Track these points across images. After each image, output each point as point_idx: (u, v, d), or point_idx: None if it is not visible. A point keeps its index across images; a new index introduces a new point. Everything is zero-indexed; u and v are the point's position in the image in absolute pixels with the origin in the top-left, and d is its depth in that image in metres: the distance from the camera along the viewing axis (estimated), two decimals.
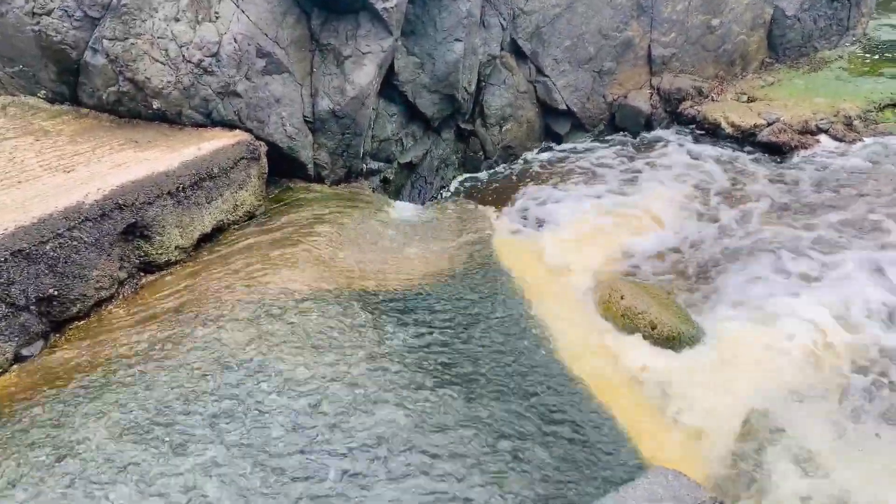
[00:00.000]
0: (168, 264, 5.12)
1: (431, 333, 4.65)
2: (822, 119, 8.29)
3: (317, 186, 6.44)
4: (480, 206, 7.12)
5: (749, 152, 7.94)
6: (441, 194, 7.57)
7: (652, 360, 4.91)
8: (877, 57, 10.09)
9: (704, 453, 4.01)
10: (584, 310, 5.60)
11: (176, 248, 5.13)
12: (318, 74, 6.38)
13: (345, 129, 6.44)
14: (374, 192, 6.80)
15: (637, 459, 3.75)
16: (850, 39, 10.57)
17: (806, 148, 7.95)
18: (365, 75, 6.36)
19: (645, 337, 5.20)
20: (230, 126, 5.91)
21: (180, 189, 5.09)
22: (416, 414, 3.75)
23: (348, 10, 6.33)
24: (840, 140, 8.05)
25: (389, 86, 6.93)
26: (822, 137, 8.14)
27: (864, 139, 8.10)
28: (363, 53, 6.38)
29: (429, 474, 3.37)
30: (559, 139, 8.54)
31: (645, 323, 5.29)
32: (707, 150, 7.99)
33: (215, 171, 5.40)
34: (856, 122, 8.35)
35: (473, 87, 7.59)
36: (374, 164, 6.98)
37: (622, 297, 5.52)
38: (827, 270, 5.82)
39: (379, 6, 6.25)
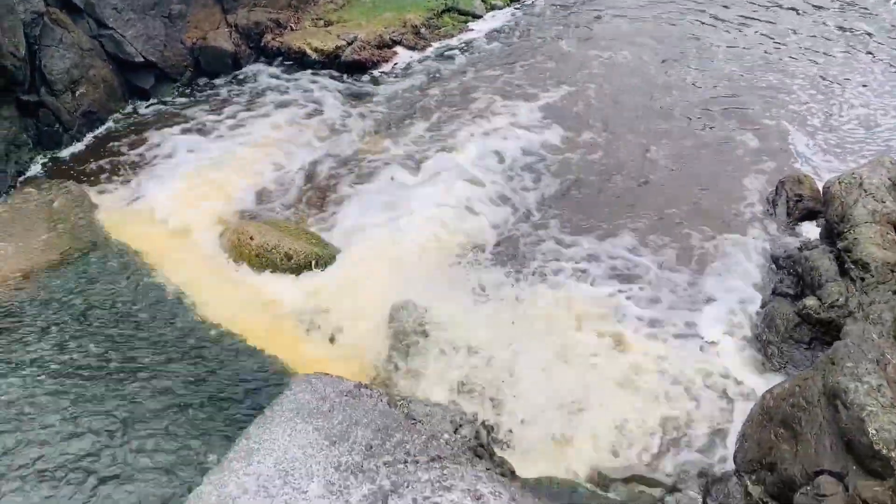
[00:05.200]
0: None
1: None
2: (394, 32, 8.88)
3: None
4: (75, 184, 6.29)
5: (337, 73, 8.17)
6: (19, 182, 6.49)
7: (295, 288, 4.94)
8: None
9: (361, 356, 4.18)
10: (215, 261, 5.36)
11: None
12: None
13: None
14: None
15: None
16: None
17: (387, 61, 8.47)
18: None
19: (284, 270, 5.19)
20: None
21: None
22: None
23: None
24: (413, 48, 8.73)
25: None
26: (399, 49, 8.75)
27: (433, 44, 8.91)
28: None
29: None
30: (146, 94, 7.84)
31: (280, 256, 5.26)
32: (298, 78, 8.02)
33: None
34: (423, 31, 9.12)
35: (24, 51, 6.53)
36: None
37: (252, 238, 5.39)
38: (428, 172, 6.33)
39: None
